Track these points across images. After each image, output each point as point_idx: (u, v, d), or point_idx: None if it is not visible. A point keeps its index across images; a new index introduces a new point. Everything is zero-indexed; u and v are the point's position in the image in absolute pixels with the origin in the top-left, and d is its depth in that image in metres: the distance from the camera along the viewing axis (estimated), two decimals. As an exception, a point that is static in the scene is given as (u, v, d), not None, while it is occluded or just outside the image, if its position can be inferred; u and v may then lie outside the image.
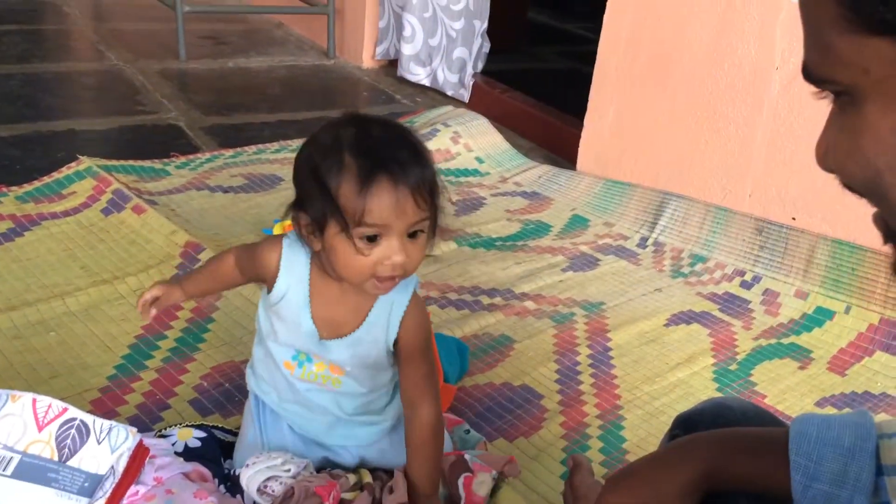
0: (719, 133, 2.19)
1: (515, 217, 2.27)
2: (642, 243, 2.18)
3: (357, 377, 1.08)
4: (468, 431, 1.32)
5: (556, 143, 2.80)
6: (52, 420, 1.02)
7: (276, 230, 1.85)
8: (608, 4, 2.40)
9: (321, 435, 1.14)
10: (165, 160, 2.30)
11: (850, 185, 0.55)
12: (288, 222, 1.05)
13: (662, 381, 1.59)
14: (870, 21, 0.47)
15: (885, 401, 1.61)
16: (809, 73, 0.54)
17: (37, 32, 3.49)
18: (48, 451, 1.00)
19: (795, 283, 1.95)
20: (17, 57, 3.10)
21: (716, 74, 2.17)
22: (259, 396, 1.16)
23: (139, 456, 1.03)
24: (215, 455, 1.16)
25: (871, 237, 0.82)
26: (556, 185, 2.48)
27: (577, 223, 2.27)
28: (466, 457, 1.13)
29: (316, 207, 0.94)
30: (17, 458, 0.98)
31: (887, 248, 0.57)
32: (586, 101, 2.51)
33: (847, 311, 1.85)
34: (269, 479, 1.05)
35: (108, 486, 0.98)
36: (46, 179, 2.04)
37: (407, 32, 3.17)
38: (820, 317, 1.86)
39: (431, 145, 2.54)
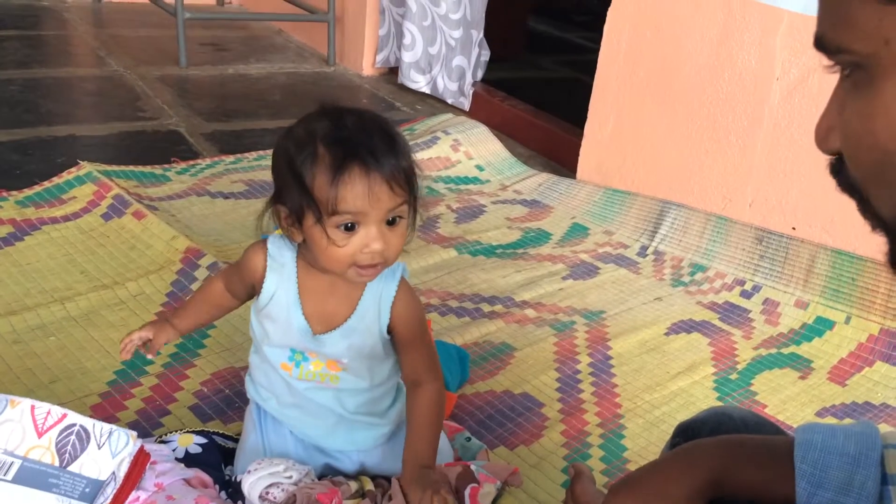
0: (719, 142, 2.19)
1: (516, 225, 2.27)
2: (642, 252, 2.18)
3: (355, 370, 1.08)
4: (469, 439, 1.32)
5: (557, 152, 2.80)
6: (51, 426, 1.02)
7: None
8: (608, 14, 2.41)
9: (322, 439, 1.14)
10: (166, 166, 2.30)
11: (841, 173, 0.52)
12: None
13: (663, 390, 1.59)
14: None
15: (885, 411, 1.61)
16: (824, 43, 0.51)
17: (37, 38, 3.49)
18: (49, 456, 1.00)
19: (795, 293, 1.95)
20: (17, 62, 3.10)
21: (716, 84, 2.17)
22: (259, 404, 1.16)
23: (140, 461, 1.03)
24: (216, 461, 1.16)
25: (872, 247, 0.81)
26: (556, 193, 2.48)
27: (577, 231, 2.27)
28: (473, 468, 1.13)
29: (293, 199, 0.96)
30: (17, 463, 0.98)
31: (885, 257, 0.55)
32: (586, 109, 2.51)
33: (847, 321, 1.85)
34: (271, 485, 1.05)
35: (110, 492, 0.98)
36: (47, 184, 2.04)
37: (407, 40, 3.18)
38: (820, 327, 1.86)
39: (431, 153, 2.55)
